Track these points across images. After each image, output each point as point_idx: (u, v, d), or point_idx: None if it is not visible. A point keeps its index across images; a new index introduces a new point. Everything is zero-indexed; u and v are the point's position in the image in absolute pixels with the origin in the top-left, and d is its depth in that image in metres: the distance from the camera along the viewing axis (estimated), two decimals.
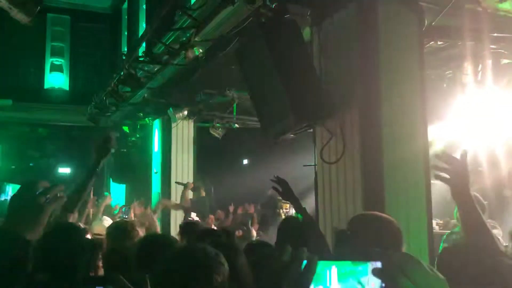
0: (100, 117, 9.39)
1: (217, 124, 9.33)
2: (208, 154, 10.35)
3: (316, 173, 4.18)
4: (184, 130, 9.29)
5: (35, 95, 13.70)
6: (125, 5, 13.28)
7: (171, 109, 8.32)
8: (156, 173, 9.66)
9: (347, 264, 1.12)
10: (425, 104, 3.95)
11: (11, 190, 1.97)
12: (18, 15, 3.52)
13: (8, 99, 12.67)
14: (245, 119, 9.46)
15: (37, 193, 1.38)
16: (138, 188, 10.95)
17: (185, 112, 8.44)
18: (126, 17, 13.14)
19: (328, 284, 1.12)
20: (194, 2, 5.79)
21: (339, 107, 3.82)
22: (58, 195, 1.41)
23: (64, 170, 13.61)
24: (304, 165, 4.69)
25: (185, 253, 1.75)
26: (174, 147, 9.18)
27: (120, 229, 3.97)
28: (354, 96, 3.78)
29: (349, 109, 3.78)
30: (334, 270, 1.12)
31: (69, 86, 14.26)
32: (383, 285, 1.06)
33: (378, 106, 3.71)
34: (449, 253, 2.12)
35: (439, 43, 5.18)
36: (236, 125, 9.61)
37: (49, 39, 14.34)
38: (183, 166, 9.24)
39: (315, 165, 4.20)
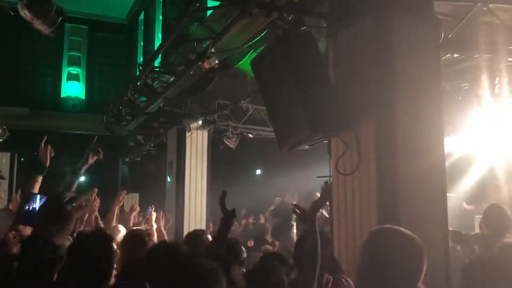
0: (115, 126, 9.49)
1: (231, 134, 9.39)
2: (222, 164, 10.40)
3: (331, 184, 4.18)
4: (198, 139, 9.35)
5: (51, 104, 13.94)
6: (142, 16, 13.48)
7: (186, 118, 8.39)
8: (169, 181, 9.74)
9: None
10: (442, 116, 3.94)
11: (38, 198, 2.02)
12: (40, 26, 3.60)
13: (25, 107, 12.88)
14: (259, 129, 9.51)
15: (64, 202, 1.49)
16: (152, 197, 11.01)
17: (200, 122, 8.51)
18: (142, 27, 13.34)
19: None
20: (211, 14, 5.86)
21: (354, 119, 3.82)
22: (83, 204, 1.52)
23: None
24: (318, 177, 4.69)
25: (188, 267, 1.88)
26: (188, 156, 9.24)
27: (138, 238, 4.00)
28: (370, 108, 3.78)
29: (365, 121, 3.78)
30: None
31: (85, 95, 14.46)
32: None
33: (394, 118, 3.71)
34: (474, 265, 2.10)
35: (455, 55, 5.17)
36: (250, 135, 9.66)
37: (66, 49, 14.59)
38: (197, 175, 9.29)
39: (329, 176, 4.20)
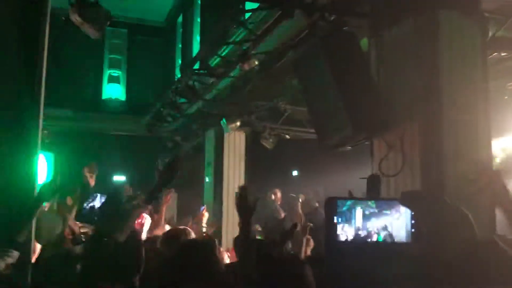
0: (155, 127, 9.68)
1: (268, 135, 9.39)
2: (259, 165, 10.42)
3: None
4: (236, 140, 9.41)
5: (93, 105, 14.30)
6: (180, 19, 13.65)
7: (224, 119, 8.46)
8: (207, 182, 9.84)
9: (371, 207, 1.26)
10: (489, 116, 3.84)
11: (99, 197, 2.10)
12: (89, 30, 3.73)
13: (68, 109, 13.26)
14: (296, 130, 9.48)
15: (124, 200, 1.53)
16: (190, 197, 11.15)
17: (238, 123, 8.55)
18: (180, 30, 13.51)
19: (353, 223, 1.29)
20: (250, 15, 5.91)
21: (398, 120, 3.77)
22: (141, 203, 1.55)
23: (119, 178, 14.06)
24: (361, 178, 4.64)
25: None
26: (226, 157, 9.32)
27: (174, 237, 4.05)
28: (414, 109, 3.72)
29: (409, 122, 3.73)
30: (359, 210, 1.29)
31: (126, 96, 14.77)
32: (411, 228, 1.19)
33: (439, 118, 3.64)
34: None
35: (502, 54, 5.03)
36: (287, 136, 9.64)
37: (107, 52, 14.93)
38: (235, 176, 9.36)
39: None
